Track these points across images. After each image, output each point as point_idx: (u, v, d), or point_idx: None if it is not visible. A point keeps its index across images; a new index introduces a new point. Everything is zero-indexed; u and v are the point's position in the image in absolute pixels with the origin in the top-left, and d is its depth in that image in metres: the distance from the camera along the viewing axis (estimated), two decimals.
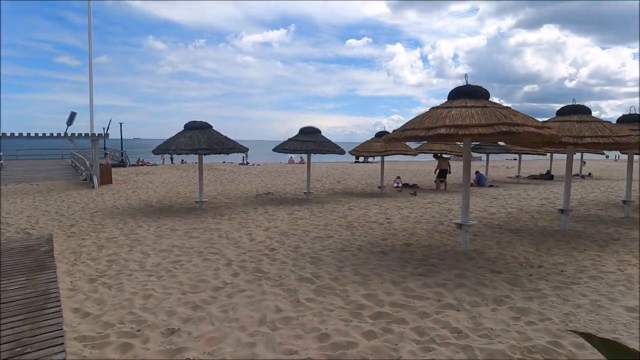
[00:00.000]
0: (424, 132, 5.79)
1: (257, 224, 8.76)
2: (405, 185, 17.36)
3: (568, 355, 3.20)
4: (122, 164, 30.62)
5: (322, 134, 13.08)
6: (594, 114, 7.87)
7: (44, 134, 16.18)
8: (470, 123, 5.48)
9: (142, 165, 31.65)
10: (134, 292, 4.69)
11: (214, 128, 11.07)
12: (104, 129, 30.53)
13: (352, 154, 15.03)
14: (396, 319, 3.86)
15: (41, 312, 4.13)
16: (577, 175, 23.07)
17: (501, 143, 17.12)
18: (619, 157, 53.08)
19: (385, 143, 13.04)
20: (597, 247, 6.79)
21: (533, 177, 22.53)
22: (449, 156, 18.70)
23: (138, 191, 15.05)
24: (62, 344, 3.50)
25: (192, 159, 27.37)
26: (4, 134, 15.43)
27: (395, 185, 17.18)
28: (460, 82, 6.34)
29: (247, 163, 32.86)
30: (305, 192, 13.29)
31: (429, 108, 6.39)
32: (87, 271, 5.51)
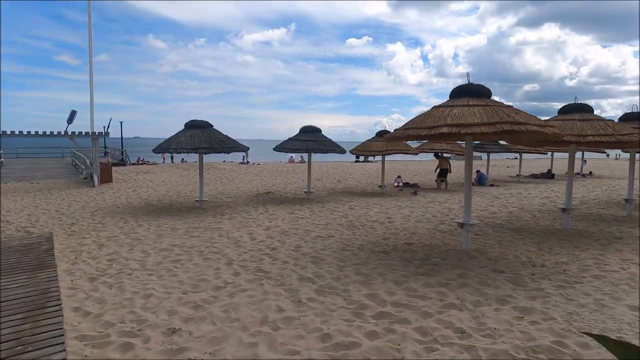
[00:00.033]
0: (426, 131, 5.76)
1: (257, 223, 8.73)
2: (406, 184, 17.33)
3: (573, 355, 3.18)
4: (122, 162, 30.61)
5: (322, 133, 13.06)
6: (595, 112, 7.83)
7: (44, 132, 16.15)
8: (472, 122, 5.45)
9: (142, 164, 31.64)
10: (134, 291, 4.67)
11: (214, 127, 11.05)
12: (104, 127, 30.51)
13: (352, 154, 15.00)
14: (399, 319, 3.84)
15: (41, 311, 4.11)
16: (578, 174, 23.04)
17: (502, 142, 17.11)
18: (619, 155, 53.07)
19: (386, 142, 13.01)
20: (600, 246, 6.77)
21: (534, 176, 22.49)
22: (449, 155, 18.66)
23: (138, 190, 15.03)
24: (63, 343, 3.48)
25: (192, 158, 27.37)
26: (4, 132, 15.40)
27: (396, 184, 17.15)
28: (461, 81, 6.32)
29: (248, 162, 32.85)
30: (305, 192, 13.26)
31: (429, 107, 6.37)
32: (87, 270, 5.49)
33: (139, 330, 3.69)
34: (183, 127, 10.88)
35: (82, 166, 20.37)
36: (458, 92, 6.18)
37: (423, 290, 4.63)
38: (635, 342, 3.36)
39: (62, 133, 16.39)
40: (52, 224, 8.78)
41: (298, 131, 13.01)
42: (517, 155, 24.97)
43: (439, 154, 17.64)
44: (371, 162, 34.50)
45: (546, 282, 4.89)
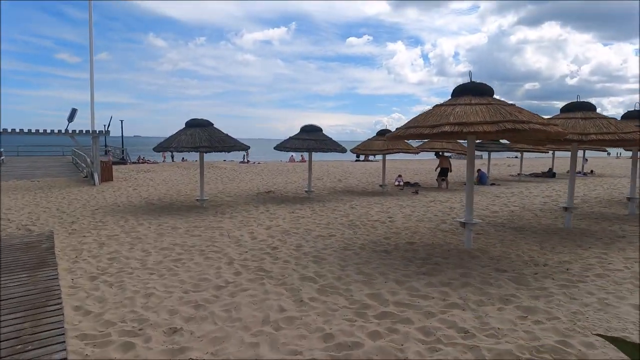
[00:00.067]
0: (428, 130, 5.72)
1: (258, 223, 8.71)
2: (407, 183, 17.30)
3: (578, 355, 3.15)
4: (122, 161, 30.60)
5: (323, 132, 13.03)
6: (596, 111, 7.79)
7: (44, 131, 16.13)
8: (475, 120, 5.41)
9: (142, 162, 31.63)
10: (135, 290, 4.65)
11: (215, 126, 11.02)
12: (104, 126, 30.50)
13: (353, 153, 14.97)
14: (401, 319, 3.81)
15: (42, 310, 4.09)
16: (579, 172, 23.00)
17: (502, 141, 17.06)
18: (620, 154, 53.01)
19: (388, 141, 12.97)
20: (602, 245, 6.74)
21: (535, 175, 22.45)
22: (449, 154, 18.63)
23: (139, 189, 15.01)
24: (63, 342, 3.46)
25: (193, 157, 27.34)
26: (5, 129, 15.38)
27: (396, 183, 17.12)
28: (461, 80, 6.30)
29: (248, 161, 32.81)
30: (306, 191, 13.23)
31: (429, 107, 6.33)
32: (88, 269, 5.47)
33: (140, 330, 3.66)
34: (184, 126, 10.85)
35: (83, 164, 20.36)
36: (460, 91, 6.15)
37: (425, 289, 4.61)
38: None
39: (63, 131, 16.37)
40: (53, 222, 8.76)
41: (298, 130, 12.98)
42: (518, 154, 24.93)
43: (440, 153, 17.60)
44: (371, 161, 34.48)
45: (549, 282, 4.86)
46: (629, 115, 9.21)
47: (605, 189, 15.78)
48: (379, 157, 15.56)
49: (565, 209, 8.39)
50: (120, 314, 4.01)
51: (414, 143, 15.86)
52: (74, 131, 16.57)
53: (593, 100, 7.87)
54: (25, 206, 10.87)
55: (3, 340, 3.45)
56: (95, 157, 16.77)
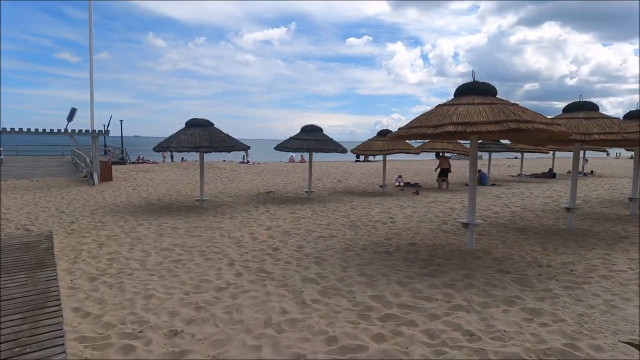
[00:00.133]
0: (431, 130, 5.67)
1: (259, 223, 8.66)
2: (407, 184, 17.25)
3: (586, 357, 3.10)
4: (122, 161, 30.53)
5: (323, 132, 12.98)
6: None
7: (44, 130, 16.06)
8: (478, 120, 5.36)
9: (142, 162, 31.55)
10: (135, 291, 4.59)
11: (215, 126, 10.97)
12: (104, 125, 30.43)
13: (354, 153, 14.93)
14: (405, 321, 3.76)
15: (41, 311, 4.03)
16: (580, 173, 22.98)
17: (503, 141, 17.02)
18: (620, 154, 53.04)
19: (390, 141, 12.93)
20: (606, 246, 6.69)
21: (535, 176, 22.42)
22: (449, 155, 18.59)
23: (138, 189, 14.95)
24: (62, 344, 3.40)
25: (192, 157, 27.27)
26: (4, 128, 15.31)
27: (397, 184, 17.08)
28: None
29: (248, 162, 32.76)
30: (306, 191, 13.18)
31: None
32: (87, 269, 5.41)
33: (140, 332, 3.61)
34: (184, 126, 10.79)
35: (82, 164, 20.29)
36: (463, 90, 6.10)
37: (429, 291, 4.56)
38: None
39: (62, 131, 16.30)
40: (52, 222, 8.70)
41: (298, 131, 12.93)
42: (517, 154, 24.90)
43: (440, 153, 17.56)
44: (371, 161, 34.43)
45: (553, 283, 4.82)
46: (630, 115, 9.16)
47: (606, 189, 15.75)
48: (379, 157, 15.51)
49: (567, 209, 8.34)
50: (120, 315, 3.96)
51: (414, 143, 15.82)
52: (73, 131, 16.50)
53: (593, 101, 7.84)
54: (24, 206, 10.81)
55: (2, 343, 3.39)
56: (95, 157, 16.70)
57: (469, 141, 6.57)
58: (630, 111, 9.40)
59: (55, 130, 16.27)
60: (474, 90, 5.98)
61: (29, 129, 15.77)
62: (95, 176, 16.32)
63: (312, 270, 5.33)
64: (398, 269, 5.41)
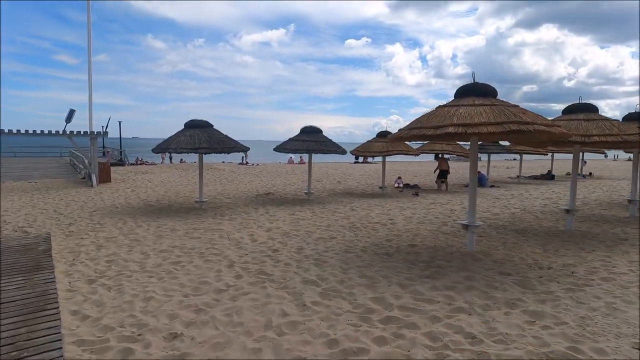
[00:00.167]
0: (432, 131, 5.66)
1: (258, 225, 8.62)
2: (407, 185, 17.25)
3: None
4: (120, 162, 30.45)
5: (323, 133, 12.96)
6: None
7: (42, 131, 16.00)
8: (479, 121, 5.35)
9: (140, 164, 31.48)
10: (134, 294, 4.55)
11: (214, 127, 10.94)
12: (102, 127, 30.37)
13: (353, 154, 14.92)
14: (407, 324, 3.73)
15: (39, 314, 3.99)
16: (579, 174, 23.02)
17: (502, 143, 17.02)
18: (617, 156, 53.15)
19: (390, 142, 12.91)
20: (606, 248, 6.68)
21: (534, 177, 22.44)
22: (448, 157, 18.60)
23: (137, 190, 14.90)
24: (60, 348, 3.36)
25: (191, 158, 27.22)
26: (2, 130, 15.25)
27: (396, 185, 17.07)
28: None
29: (247, 163, 32.72)
30: (306, 193, 13.16)
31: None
32: (86, 272, 5.37)
33: (139, 335, 3.57)
34: (183, 127, 10.76)
35: (81, 166, 20.22)
36: (463, 92, 6.09)
37: (430, 293, 4.53)
38: None
39: (61, 132, 16.25)
40: (50, 224, 8.65)
41: (297, 132, 12.91)
42: (516, 156, 24.90)
43: (440, 155, 17.57)
44: (370, 162, 34.44)
45: (555, 285, 4.79)
46: (629, 117, 9.16)
47: (604, 191, 15.76)
48: (378, 158, 15.50)
49: (567, 211, 8.33)
50: (118, 318, 3.92)
51: (413, 145, 15.82)
52: (71, 132, 16.45)
53: (590, 103, 7.83)
54: (22, 208, 10.75)
55: None
56: (93, 159, 16.64)
57: (468, 143, 6.56)
58: (629, 113, 9.41)
59: (53, 132, 16.22)
60: (475, 92, 5.97)
61: (26, 131, 15.72)
62: (94, 178, 16.27)
63: (312, 272, 5.30)
64: (398, 270, 5.38)
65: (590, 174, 24.77)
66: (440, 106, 6.11)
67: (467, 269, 5.45)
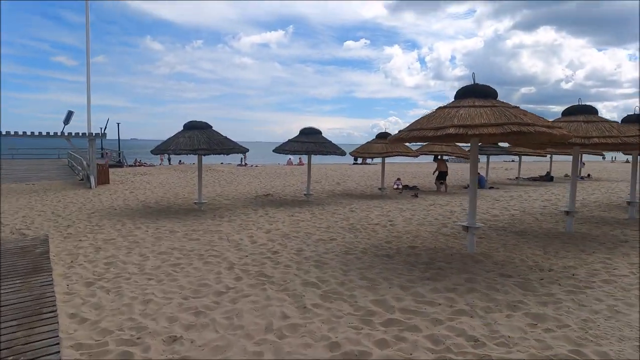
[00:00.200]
0: (432, 132, 5.64)
1: (258, 226, 8.59)
2: (406, 186, 17.23)
3: None
4: (119, 164, 30.36)
5: (322, 134, 12.94)
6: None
7: (40, 133, 15.95)
8: (479, 123, 5.33)
9: (139, 165, 31.40)
10: (133, 296, 4.52)
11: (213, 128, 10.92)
12: (101, 128, 30.32)
13: (352, 155, 14.90)
14: (408, 326, 3.70)
15: (36, 318, 3.95)
16: (577, 176, 23.04)
17: (501, 144, 17.03)
18: (615, 158, 53.28)
19: (390, 143, 12.90)
20: (606, 250, 6.67)
21: (533, 179, 22.46)
22: (447, 158, 18.61)
23: (136, 192, 14.84)
24: (58, 352, 3.33)
25: (190, 159, 27.15)
26: (0, 132, 15.19)
27: (395, 186, 17.06)
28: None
29: (246, 164, 32.67)
30: (305, 194, 13.13)
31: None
32: (84, 274, 5.33)
33: (138, 339, 3.53)
34: (182, 129, 10.73)
35: (79, 167, 20.15)
36: (463, 93, 6.07)
37: (431, 295, 4.50)
38: None
39: (59, 134, 16.20)
40: (48, 226, 8.60)
41: (296, 133, 12.88)
42: (515, 157, 24.93)
43: (439, 157, 17.56)
44: (369, 164, 34.43)
45: (556, 287, 4.77)
46: (628, 119, 9.17)
47: (603, 192, 15.77)
48: (377, 160, 15.49)
49: (567, 212, 8.32)
50: (117, 321, 3.88)
51: (412, 146, 15.81)
52: (70, 133, 16.40)
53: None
54: (20, 209, 10.69)
55: None
56: (92, 160, 16.59)
57: (468, 144, 6.54)
58: (629, 115, 9.41)
59: (52, 134, 16.17)
60: (475, 93, 5.96)
61: (24, 132, 15.66)
62: (92, 179, 16.20)
63: (312, 274, 5.27)
64: (399, 272, 5.36)
65: (589, 175, 24.80)
66: (440, 107, 6.10)
67: (467, 270, 5.43)
